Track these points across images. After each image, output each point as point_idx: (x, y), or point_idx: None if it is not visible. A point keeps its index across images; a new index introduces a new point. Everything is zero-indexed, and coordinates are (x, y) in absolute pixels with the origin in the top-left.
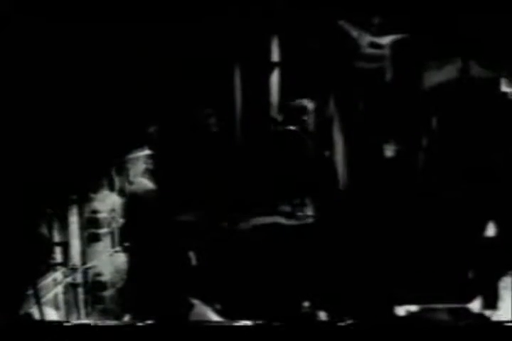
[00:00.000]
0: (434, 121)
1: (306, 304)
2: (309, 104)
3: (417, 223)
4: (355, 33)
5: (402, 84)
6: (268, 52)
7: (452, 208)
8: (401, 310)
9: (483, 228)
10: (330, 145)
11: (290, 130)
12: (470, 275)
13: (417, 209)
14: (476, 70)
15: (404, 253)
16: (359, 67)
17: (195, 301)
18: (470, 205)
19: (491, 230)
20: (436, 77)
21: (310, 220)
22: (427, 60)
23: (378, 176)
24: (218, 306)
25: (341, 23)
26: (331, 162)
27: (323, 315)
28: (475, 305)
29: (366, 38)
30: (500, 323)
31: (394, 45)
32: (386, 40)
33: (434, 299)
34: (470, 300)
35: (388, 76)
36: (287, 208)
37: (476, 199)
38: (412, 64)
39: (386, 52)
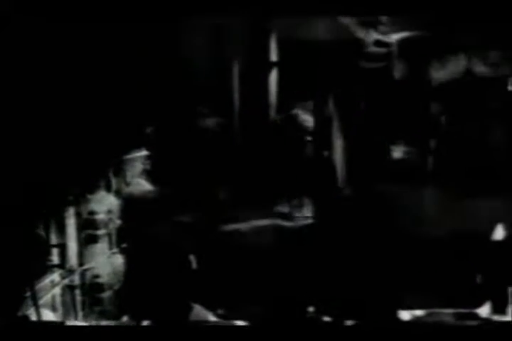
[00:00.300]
0: (440, 121)
1: (311, 309)
2: (306, 116)
3: (423, 225)
4: (361, 32)
5: (408, 83)
6: (267, 51)
7: (460, 211)
8: (406, 315)
9: (492, 231)
10: (329, 145)
11: (289, 130)
12: (478, 279)
13: (422, 212)
14: (482, 69)
15: (410, 256)
16: (363, 66)
17: (196, 306)
18: (478, 208)
19: (499, 233)
20: (441, 76)
21: (309, 221)
22: (433, 59)
23: (379, 177)
24: (220, 311)
25: (347, 21)
26: (330, 162)
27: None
28: (484, 310)
29: (372, 36)
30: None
31: (401, 43)
32: (393, 38)
33: (441, 304)
34: (479, 304)
35: (394, 75)
36: (285, 209)
37: (483, 201)
38: (419, 62)
39: (392, 50)
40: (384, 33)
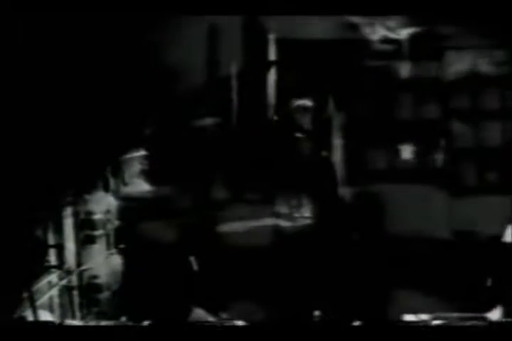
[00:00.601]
0: (445, 120)
1: (317, 313)
2: (309, 104)
3: (429, 226)
4: (366, 29)
5: (413, 81)
6: (265, 50)
7: (467, 211)
8: (412, 318)
9: (501, 232)
10: (329, 145)
11: (288, 130)
12: (488, 282)
13: (428, 213)
14: (488, 67)
15: (415, 257)
16: (368, 64)
17: (197, 308)
18: (487, 208)
19: (509, 234)
20: (446, 74)
21: (308, 222)
22: (438, 57)
23: (381, 177)
24: (221, 314)
25: (352, 18)
26: (329, 162)
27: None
28: (494, 315)
29: (379, 33)
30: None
31: (407, 40)
32: (401, 34)
33: (448, 307)
34: (488, 308)
35: (399, 73)
36: (284, 209)
37: (492, 202)
38: (424, 60)
39: (400, 47)
40: (391, 29)
